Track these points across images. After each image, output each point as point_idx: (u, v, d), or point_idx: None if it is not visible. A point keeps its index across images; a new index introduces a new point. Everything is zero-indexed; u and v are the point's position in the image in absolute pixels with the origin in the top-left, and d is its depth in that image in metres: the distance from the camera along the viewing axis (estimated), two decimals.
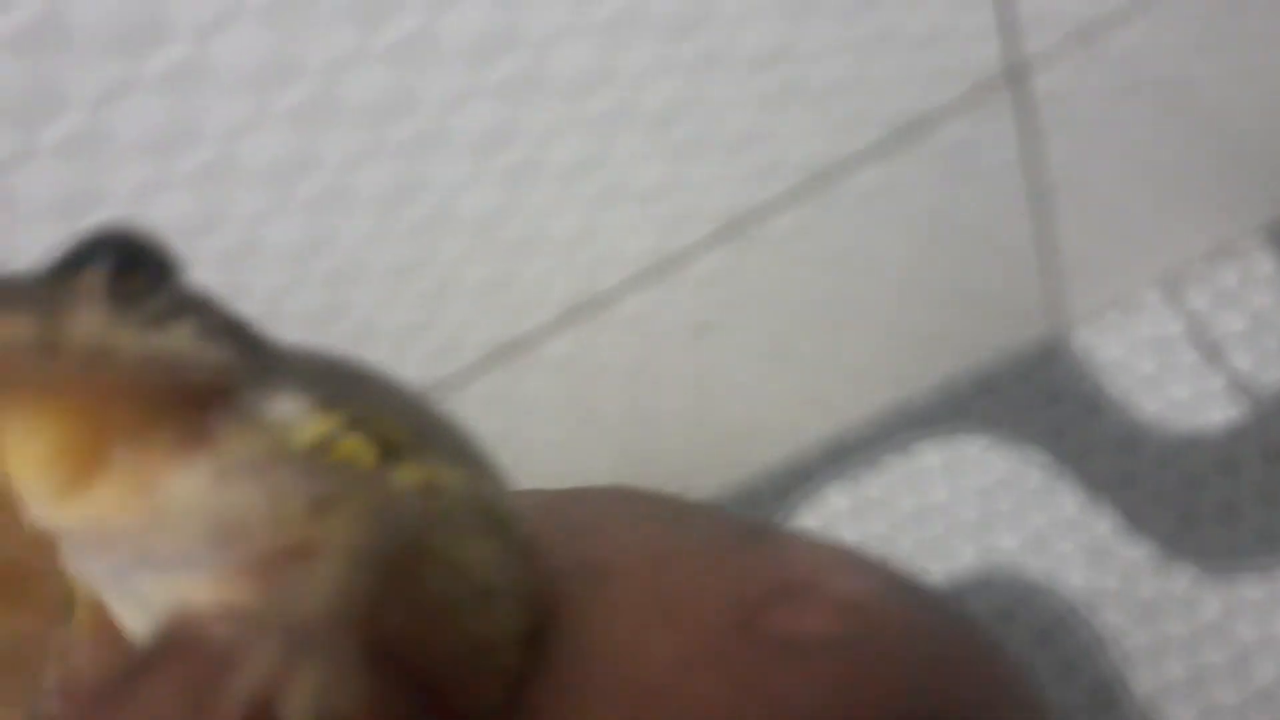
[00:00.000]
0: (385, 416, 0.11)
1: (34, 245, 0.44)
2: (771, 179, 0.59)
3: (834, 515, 0.87)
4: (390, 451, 0.10)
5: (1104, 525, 0.83)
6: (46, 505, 0.10)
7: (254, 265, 0.50)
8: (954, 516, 0.85)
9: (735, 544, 0.11)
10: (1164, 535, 0.82)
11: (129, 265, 0.11)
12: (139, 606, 0.10)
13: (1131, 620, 0.80)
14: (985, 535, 0.85)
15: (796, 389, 0.81)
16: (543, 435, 0.71)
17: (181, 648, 0.09)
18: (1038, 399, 0.87)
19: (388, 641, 0.09)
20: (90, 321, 0.10)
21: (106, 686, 0.09)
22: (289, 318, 0.53)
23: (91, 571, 0.11)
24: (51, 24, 0.39)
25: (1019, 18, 0.56)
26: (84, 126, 0.42)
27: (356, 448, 0.10)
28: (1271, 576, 0.79)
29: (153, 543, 0.10)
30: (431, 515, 0.10)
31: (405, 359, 0.60)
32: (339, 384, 0.11)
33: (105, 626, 0.11)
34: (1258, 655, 0.78)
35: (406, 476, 0.10)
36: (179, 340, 0.10)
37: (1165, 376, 0.86)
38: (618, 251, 0.60)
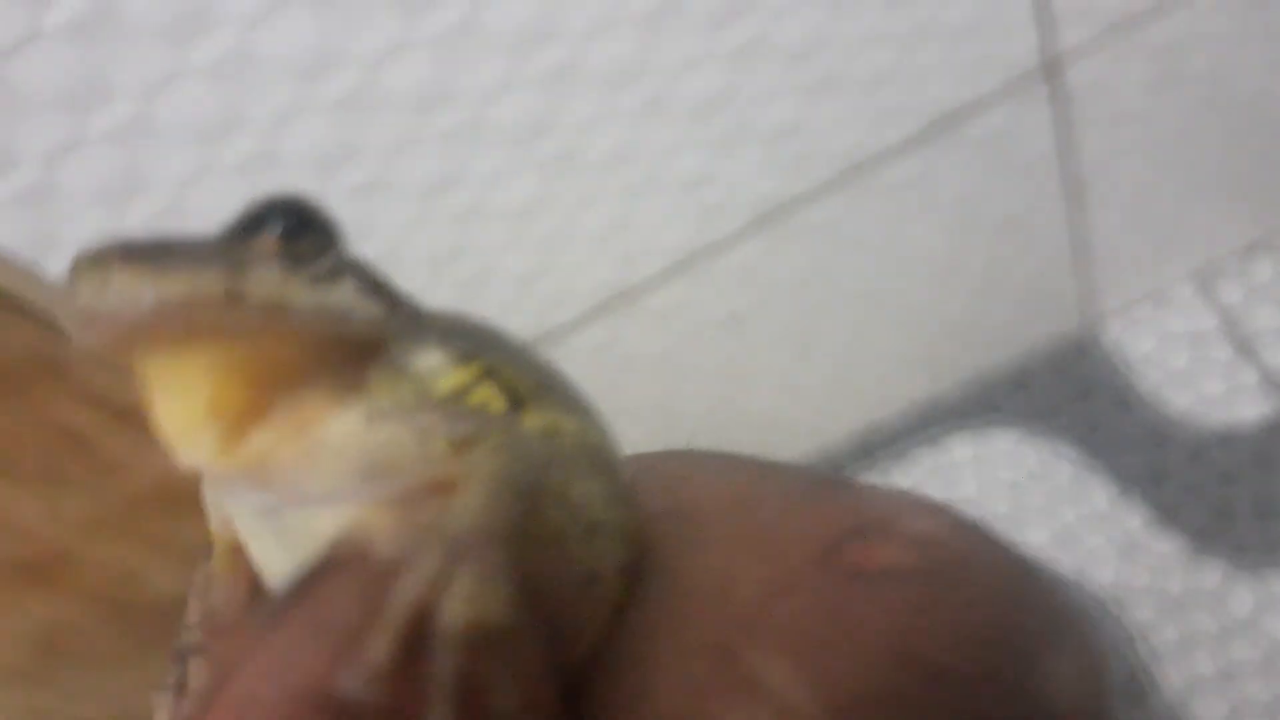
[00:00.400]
0: (513, 370, 0.12)
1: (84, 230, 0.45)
2: (807, 170, 0.59)
3: None
4: (516, 400, 0.12)
5: (1135, 520, 0.83)
6: (209, 448, 0.11)
7: None
8: (984, 510, 0.85)
9: (815, 490, 0.12)
10: (1195, 530, 0.82)
11: (298, 229, 0.12)
12: (283, 544, 0.11)
13: (1162, 615, 0.80)
14: (1016, 529, 0.84)
15: (828, 381, 0.81)
16: None
17: (349, 562, 0.10)
18: (1069, 393, 0.87)
19: (517, 567, 0.10)
20: (268, 278, 0.11)
21: (279, 600, 0.10)
22: None
23: (240, 512, 0.12)
24: (105, 13, 0.39)
25: (1056, 10, 0.56)
26: (132, 114, 0.43)
27: (489, 396, 0.12)
28: None
29: (308, 480, 0.11)
30: (552, 455, 0.11)
31: None
32: (474, 341, 0.12)
33: (240, 568, 0.12)
34: None
35: (531, 421, 0.11)
36: (342, 296, 0.12)
37: (1197, 371, 0.86)
38: (652, 243, 0.60)
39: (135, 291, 0.11)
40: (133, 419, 0.58)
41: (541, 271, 0.58)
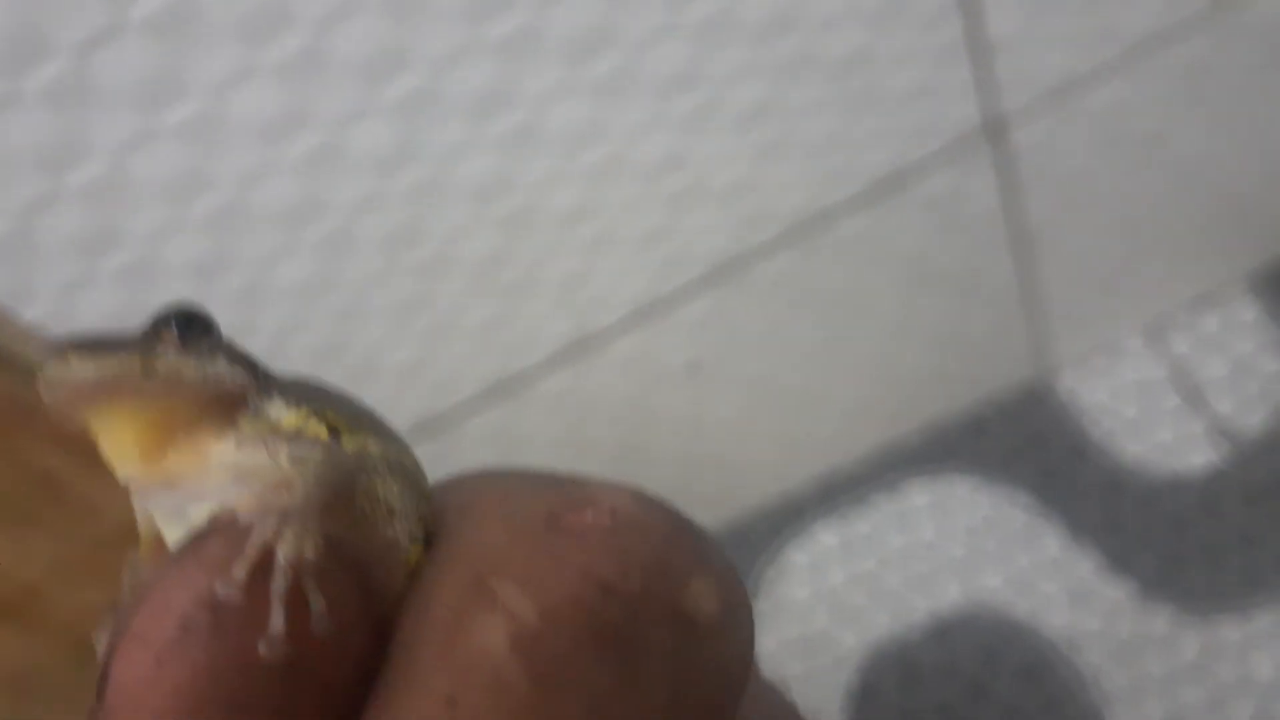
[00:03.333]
0: (333, 411, 0.19)
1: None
2: (760, 227, 0.62)
3: (823, 552, 0.89)
4: (335, 431, 0.18)
5: (1086, 566, 0.85)
6: (136, 469, 0.18)
7: (263, 301, 0.53)
8: (941, 554, 0.87)
9: (553, 482, 0.18)
10: (1145, 576, 0.84)
11: (187, 325, 0.18)
12: (185, 528, 0.17)
13: (1112, 660, 0.82)
14: (971, 574, 0.86)
15: (787, 428, 0.83)
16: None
17: (222, 525, 0.16)
18: (1024, 441, 0.89)
19: (338, 537, 0.16)
20: (168, 358, 0.18)
21: (179, 550, 0.16)
22: (297, 351, 0.56)
23: (158, 511, 0.18)
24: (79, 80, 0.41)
25: (996, 76, 0.58)
26: (107, 174, 0.44)
27: (317, 429, 0.18)
28: (1250, 618, 0.81)
29: (202, 486, 0.18)
30: (360, 464, 0.18)
31: (406, 395, 0.62)
32: (305, 393, 0.19)
33: (160, 550, 0.18)
34: (1235, 696, 0.79)
35: (347, 444, 0.18)
36: (218, 367, 0.18)
37: (1148, 420, 0.88)
38: (612, 293, 0.62)
39: (82, 369, 0.17)
40: (102, 462, 0.60)
41: (502, 322, 0.60)
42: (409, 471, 0.18)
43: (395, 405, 0.62)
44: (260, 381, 0.19)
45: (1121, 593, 0.84)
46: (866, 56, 0.54)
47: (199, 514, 0.17)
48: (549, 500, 0.17)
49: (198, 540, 0.16)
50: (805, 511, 0.90)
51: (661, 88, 0.51)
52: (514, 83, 0.48)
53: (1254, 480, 0.85)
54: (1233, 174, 0.79)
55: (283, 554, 0.15)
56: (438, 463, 0.20)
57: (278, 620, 0.15)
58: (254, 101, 0.44)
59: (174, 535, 0.18)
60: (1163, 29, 0.61)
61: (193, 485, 0.18)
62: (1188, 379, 0.88)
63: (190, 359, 0.18)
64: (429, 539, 0.17)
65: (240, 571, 0.15)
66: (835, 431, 0.87)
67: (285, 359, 0.55)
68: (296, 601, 0.15)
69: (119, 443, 0.18)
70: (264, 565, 0.15)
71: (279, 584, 0.15)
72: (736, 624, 0.17)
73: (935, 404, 0.89)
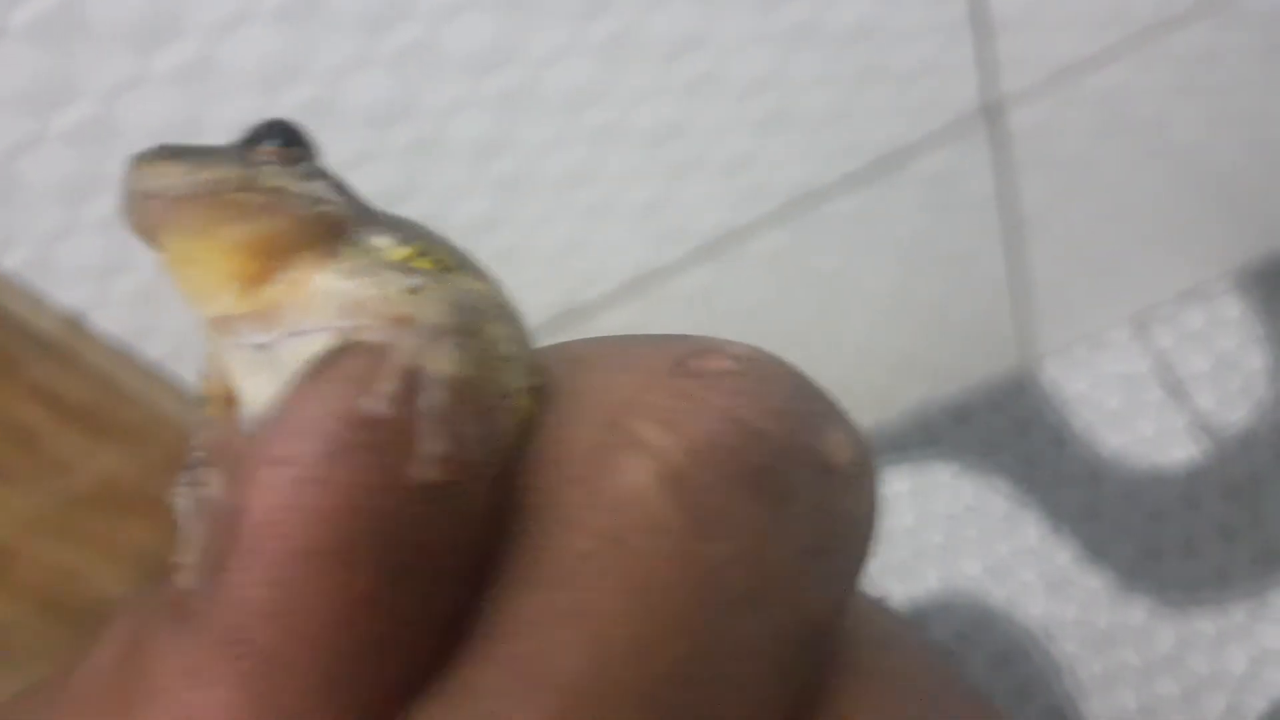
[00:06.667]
0: (440, 250, 0.17)
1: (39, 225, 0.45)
2: (755, 202, 0.61)
3: None
4: (444, 269, 0.17)
5: (1065, 555, 0.85)
6: (225, 300, 0.16)
7: None
8: (920, 540, 0.87)
9: (667, 336, 0.17)
10: (1123, 567, 0.84)
11: (288, 142, 0.17)
12: (276, 373, 0.16)
13: (1087, 649, 0.82)
14: (950, 560, 0.86)
15: None
16: None
17: (355, 346, 0.15)
18: (1006, 429, 0.89)
19: (469, 349, 0.15)
20: (271, 171, 0.16)
21: (307, 372, 0.15)
22: None
23: (240, 354, 0.17)
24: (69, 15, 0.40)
25: (997, 57, 0.58)
26: (95, 115, 0.43)
27: (424, 265, 0.17)
28: (1225, 611, 0.81)
29: (303, 319, 0.16)
30: (474, 302, 0.16)
31: None
32: (412, 230, 0.18)
33: (231, 413, 0.17)
34: (1209, 688, 0.80)
35: (456, 281, 0.17)
36: (321, 189, 0.17)
37: (1130, 412, 0.88)
38: (606, 264, 0.61)
39: (175, 178, 0.16)
40: (80, 418, 0.59)
41: None
42: (516, 317, 0.17)
43: None
44: (363, 211, 0.18)
45: (1099, 583, 0.84)
46: (871, 30, 0.54)
47: (295, 353, 0.16)
48: (670, 348, 0.16)
49: (328, 361, 0.15)
50: None
51: (664, 54, 0.51)
52: (514, 42, 0.48)
53: (1233, 475, 0.85)
54: (1226, 167, 0.79)
55: (434, 368, 0.14)
56: None
57: (428, 440, 0.14)
58: (252, 47, 0.43)
59: (256, 383, 0.16)
60: (1166, 15, 0.61)
61: (292, 318, 0.16)
62: (1171, 373, 0.88)
63: (292, 175, 0.17)
64: (539, 388, 0.16)
65: (387, 385, 0.14)
66: None
67: None
68: (443, 422, 0.14)
69: (207, 268, 0.16)
70: (409, 383, 0.14)
71: (429, 401, 0.14)
72: (869, 478, 0.16)
73: (919, 389, 0.89)
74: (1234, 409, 0.87)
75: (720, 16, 0.50)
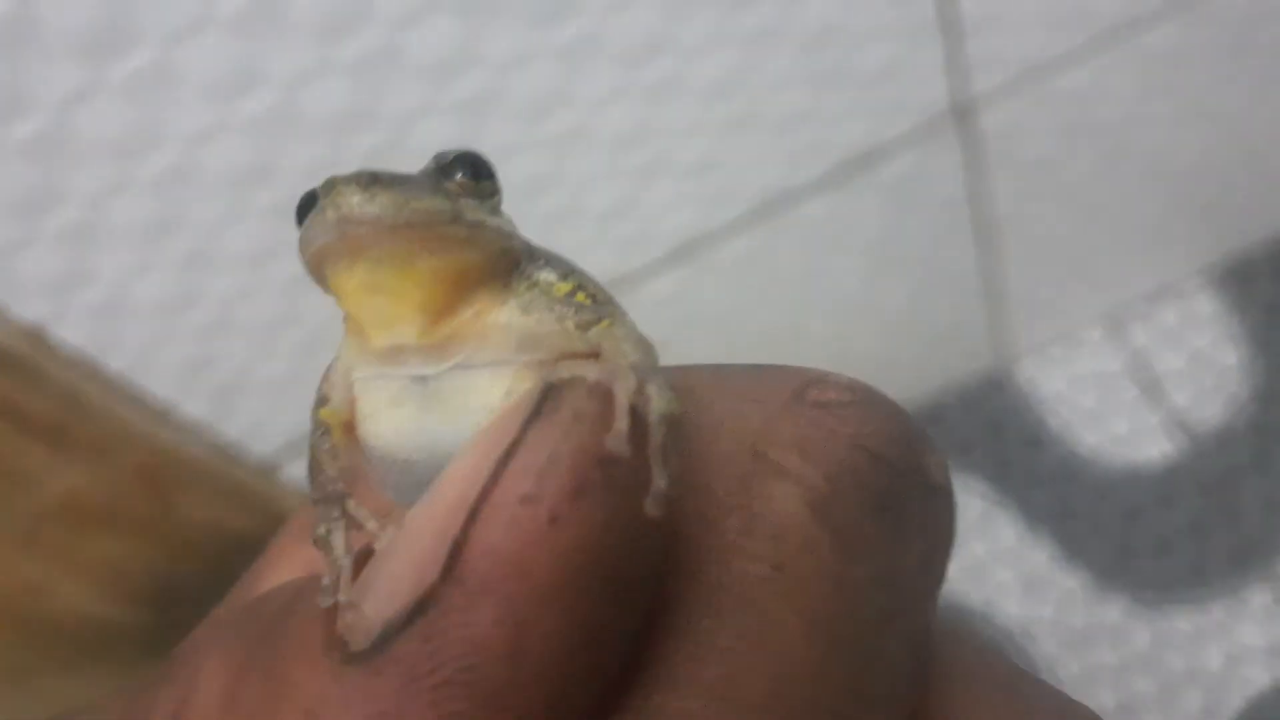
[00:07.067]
0: (589, 281, 0.18)
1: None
2: (724, 205, 0.61)
3: None
4: (598, 302, 0.17)
5: (1041, 555, 0.85)
6: (415, 332, 0.16)
7: (207, 268, 0.51)
8: None
9: (758, 367, 0.18)
10: (1099, 566, 0.84)
11: (476, 174, 0.17)
12: (426, 407, 0.17)
13: (1065, 648, 0.82)
14: None
15: None
16: None
17: (575, 383, 0.15)
18: (981, 429, 0.89)
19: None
20: (471, 205, 0.17)
21: (527, 408, 0.15)
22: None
23: (386, 386, 0.17)
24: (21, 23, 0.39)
25: (967, 58, 0.58)
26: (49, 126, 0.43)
27: (582, 299, 0.17)
28: (1202, 609, 0.81)
29: (481, 352, 0.16)
30: (644, 337, 0.16)
31: None
32: (567, 266, 0.18)
33: (354, 442, 0.17)
34: (1185, 686, 0.80)
35: (622, 316, 0.17)
36: (506, 223, 0.17)
37: (1105, 411, 0.88)
38: None
39: (391, 206, 0.16)
40: (43, 433, 0.58)
41: None
42: (650, 343, 0.17)
43: None
44: (528, 246, 0.18)
45: (1075, 582, 0.84)
46: (838, 30, 0.53)
47: (458, 385, 0.16)
48: (784, 378, 0.17)
49: (552, 399, 0.15)
50: None
51: (628, 58, 0.50)
52: (476, 49, 0.47)
53: (1208, 473, 0.85)
54: (1195, 166, 0.79)
55: (655, 407, 0.15)
56: None
57: (661, 478, 0.14)
58: (207, 58, 0.43)
59: (399, 414, 0.17)
60: (1132, 16, 0.61)
61: (468, 351, 0.16)
62: (1146, 371, 0.88)
63: (487, 209, 0.17)
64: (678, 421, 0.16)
65: (624, 424, 0.14)
66: None
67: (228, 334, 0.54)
68: (669, 459, 0.15)
69: (397, 298, 0.16)
70: (639, 422, 0.15)
71: (658, 439, 0.15)
72: (954, 495, 0.18)
73: (894, 391, 0.88)
74: (1209, 406, 0.87)
75: (684, 19, 0.50)
